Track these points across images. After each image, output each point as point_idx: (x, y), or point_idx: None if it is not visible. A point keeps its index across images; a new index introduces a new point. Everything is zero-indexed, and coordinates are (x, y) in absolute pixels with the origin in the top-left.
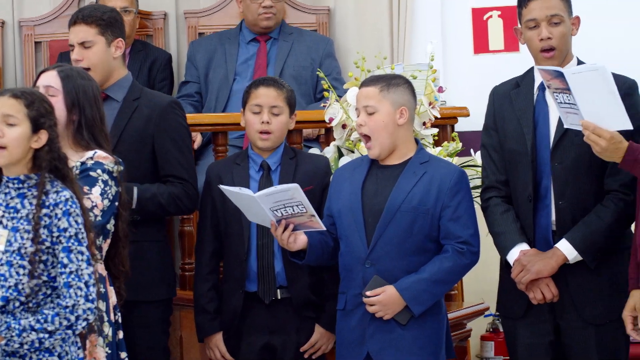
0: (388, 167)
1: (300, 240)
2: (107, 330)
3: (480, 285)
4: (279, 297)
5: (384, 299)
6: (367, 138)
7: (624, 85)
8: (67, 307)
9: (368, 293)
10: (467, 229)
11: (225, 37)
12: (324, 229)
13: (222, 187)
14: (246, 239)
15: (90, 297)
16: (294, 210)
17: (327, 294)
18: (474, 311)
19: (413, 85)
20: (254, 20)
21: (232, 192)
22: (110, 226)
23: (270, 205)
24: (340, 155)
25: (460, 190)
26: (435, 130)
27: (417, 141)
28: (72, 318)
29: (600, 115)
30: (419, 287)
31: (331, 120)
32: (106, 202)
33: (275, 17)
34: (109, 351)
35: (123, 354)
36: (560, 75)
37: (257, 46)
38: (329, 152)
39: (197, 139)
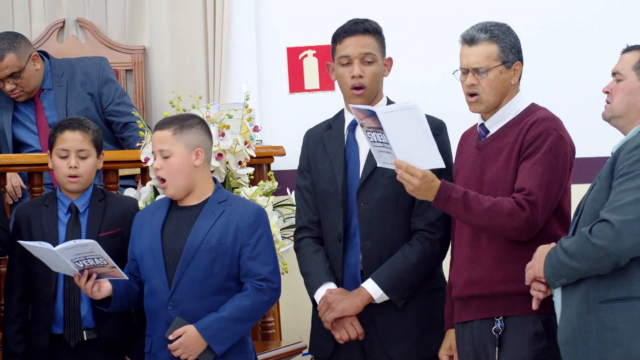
0: (187, 208)
1: (104, 289)
2: None
3: (298, 324)
4: (86, 339)
5: (185, 340)
6: (162, 180)
7: (431, 124)
8: None
9: (170, 337)
10: (267, 265)
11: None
12: (126, 278)
13: (21, 242)
14: (53, 282)
15: None
16: (95, 262)
17: (138, 332)
18: (291, 350)
19: (208, 124)
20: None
21: (32, 246)
22: None
23: (72, 257)
24: (157, 194)
25: (258, 228)
26: (251, 170)
27: (215, 180)
28: None
29: (413, 154)
30: (218, 326)
31: (147, 160)
32: None
33: (24, 92)
34: None
35: None
36: (373, 115)
37: (32, 104)
38: (145, 191)
39: (14, 179)
